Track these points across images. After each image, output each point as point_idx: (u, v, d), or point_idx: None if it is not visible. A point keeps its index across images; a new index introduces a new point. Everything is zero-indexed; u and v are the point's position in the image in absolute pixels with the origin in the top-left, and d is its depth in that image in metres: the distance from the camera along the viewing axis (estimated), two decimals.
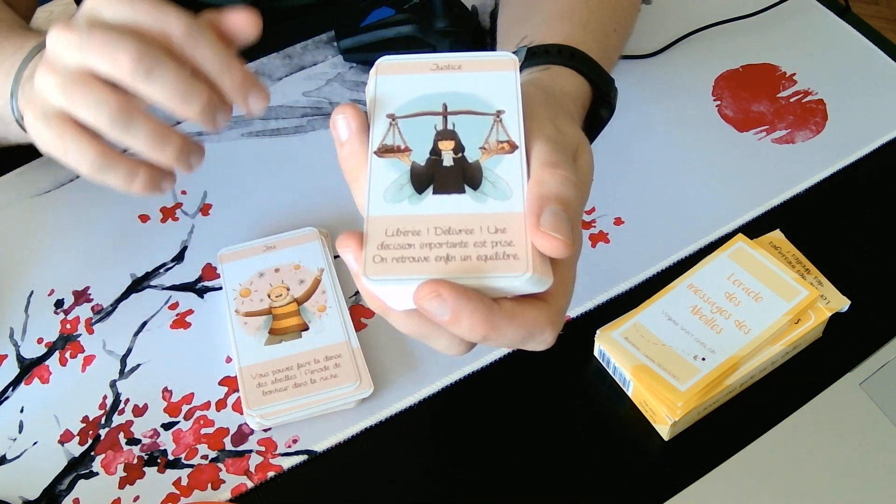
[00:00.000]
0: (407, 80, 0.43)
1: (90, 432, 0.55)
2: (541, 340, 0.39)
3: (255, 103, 0.45)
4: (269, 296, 0.59)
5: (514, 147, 0.41)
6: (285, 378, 0.55)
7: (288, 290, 0.60)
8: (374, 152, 0.42)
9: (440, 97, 0.43)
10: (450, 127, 0.43)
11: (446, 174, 0.41)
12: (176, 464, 0.54)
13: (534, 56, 0.53)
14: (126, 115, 0.43)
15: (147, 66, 0.42)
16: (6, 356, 0.59)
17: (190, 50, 0.44)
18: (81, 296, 0.61)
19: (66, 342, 0.59)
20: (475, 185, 0.41)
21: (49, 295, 0.62)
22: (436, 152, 0.42)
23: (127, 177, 0.45)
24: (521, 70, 0.53)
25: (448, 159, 0.42)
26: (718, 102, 0.71)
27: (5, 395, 0.57)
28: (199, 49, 0.44)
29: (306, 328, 0.58)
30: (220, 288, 0.61)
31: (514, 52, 0.54)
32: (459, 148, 0.42)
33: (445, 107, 0.43)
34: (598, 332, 0.56)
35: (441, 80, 0.43)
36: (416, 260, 0.37)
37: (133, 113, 0.43)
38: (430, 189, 0.41)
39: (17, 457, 0.54)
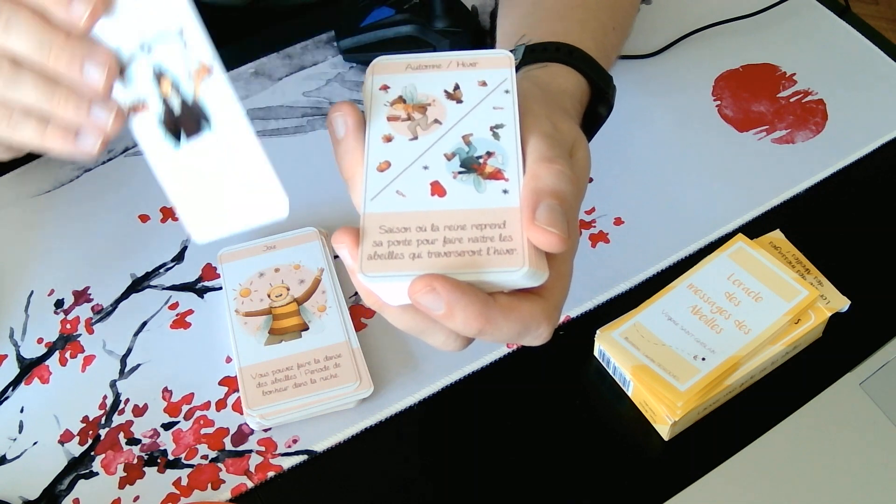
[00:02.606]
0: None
1: (90, 432, 0.55)
2: (536, 335, 0.39)
3: (80, 12, 0.41)
4: (269, 296, 0.59)
5: (209, 70, 0.41)
6: (285, 378, 0.55)
7: (288, 290, 0.60)
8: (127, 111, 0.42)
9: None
10: (155, 68, 0.42)
11: (187, 119, 0.42)
12: (176, 464, 0.54)
13: (532, 54, 0.53)
14: (10, 67, 0.42)
15: (4, 18, 0.41)
16: (6, 356, 0.59)
17: None
18: (81, 296, 0.61)
19: (66, 342, 0.59)
20: (208, 119, 0.41)
21: (49, 295, 0.62)
22: (164, 99, 0.42)
23: (38, 128, 0.43)
24: (519, 68, 0.53)
25: (175, 105, 0.42)
26: (718, 102, 0.71)
27: (5, 395, 0.57)
28: None
29: (306, 328, 0.58)
30: (220, 288, 0.61)
31: (512, 51, 0.54)
32: (175, 88, 0.42)
33: (142, 45, 0.42)
34: (598, 332, 0.56)
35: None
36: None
37: (14, 64, 0.42)
38: (184, 134, 0.42)
39: (17, 457, 0.54)
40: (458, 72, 0.43)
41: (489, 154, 0.40)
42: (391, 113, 0.42)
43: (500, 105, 0.42)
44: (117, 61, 0.42)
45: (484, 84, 0.43)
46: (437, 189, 0.40)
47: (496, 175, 0.40)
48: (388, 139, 0.41)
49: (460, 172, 0.40)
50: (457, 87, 0.43)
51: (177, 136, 0.43)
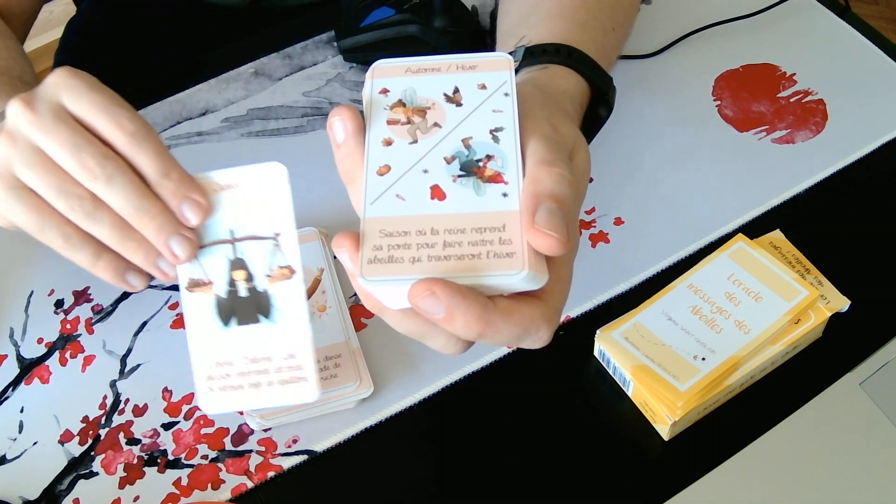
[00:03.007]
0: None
1: (90, 432, 0.55)
2: (537, 338, 0.39)
3: (190, 215, 0.45)
4: None
5: (292, 272, 0.45)
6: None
7: None
8: (185, 287, 0.46)
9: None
10: (235, 256, 0.46)
11: (246, 307, 0.45)
12: (176, 464, 0.54)
13: (532, 55, 0.53)
14: (92, 204, 0.45)
15: (109, 172, 0.44)
16: (6, 356, 0.59)
17: (133, 154, 0.45)
18: (81, 296, 0.61)
19: (66, 342, 0.59)
20: (266, 314, 0.45)
21: (49, 295, 0.62)
22: (230, 282, 0.46)
23: (92, 257, 0.46)
24: (519, 69, 0.53)
25: (241, 291, 0.46)
26: (718, 102, 0.71)
27: (5, 395, 0.57)
28: (141, 154, 0.45)
29: None
30: None
31: (512, 52, 0.54)
32: (249, 278, 0.46)
33: (233, 234, 0.46)
34: (598, 332, 0.56)
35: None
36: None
37: (98, 203, 0.45)
38: (235, 319, 0.45)
39: (17, 457, 0.54)
40: (457, 75, 0.43)
41: (489, 157, 0.40)
42: (391, 116, 0.42)
43: (499, 108, 0.42)
44: (197, 241, 0.46)
45: (483, 87, 0.43)
46: (437, 193, 0.40)
47: (496, 178, 0.40)
48: (388, 143, 0.41)
49: (460, 176, 0.40)
50: (456, 91, 0.43)
51: (226, 320, 0.46)
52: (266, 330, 0.47)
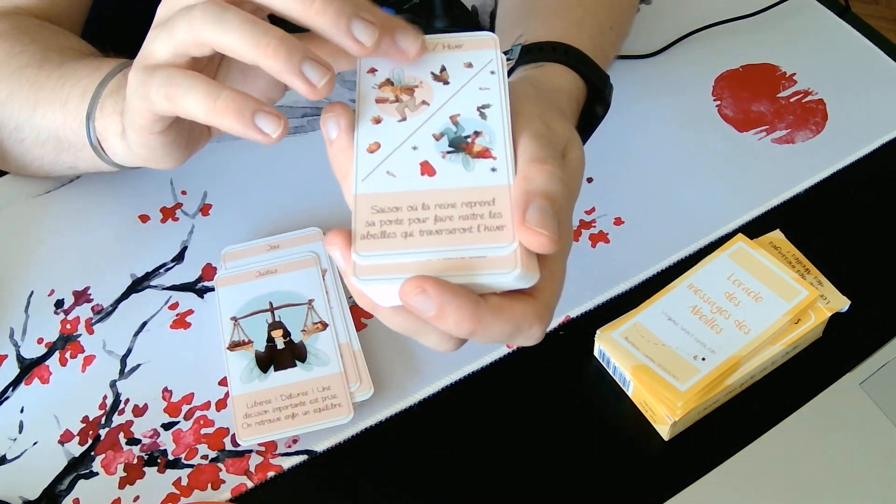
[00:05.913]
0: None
1: (90, 432, 0.55)
2: (529, 335, 0.39)
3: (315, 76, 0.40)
4: None
5: (325, 326, 0.56)
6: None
7: None
8: (227, 347, 0.56)
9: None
10: (273, 319, 0.56)
11: (284, 357, 0.55)
12: (176, 464, 0.54)
13: (528, 54, 0.53)
14: (216, 4, 0.40)
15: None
16: (6, 356, 0.59)
17: None
18: (81, 296, 0.61)
19: (66, 342, 0.59)
20: (303, 360, 0.55)
21: (49, 295, 0.62)
22: (269, 338, 0.56)
23: (207, 95, 0.40)
24: (515, 68, 0.53)
25: (279, 344, 0.55)
26: (718, 102, 0.71)
27: (5, 395, 0.57)
28: None
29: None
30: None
31: (508, 51, 0.55)
32: (287, 334, 0.56)
33: (272, 304, 0.57)
34: (598, 332, 0.56)
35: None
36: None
37: (223, 4, 0.40)
38: (272, 368, 0.55)
39: (17, 457, 0.54)
40: (444, 54, 0.44)
41: (477, 133, 0.41)
42: (379, 95, 0.42)
43: (486, 86, 0.43)
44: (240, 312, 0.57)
45: (470, 66, 0.43)
46: (427, 169, 0.40)
47: (484, 154, 0.40)
48: (378, 121, 0.42)
49: (449, 152, 0.41)
50: (443, 69, 0.43)
51: (265, 369, 0.55)
52: (302, 372, 0.54)
